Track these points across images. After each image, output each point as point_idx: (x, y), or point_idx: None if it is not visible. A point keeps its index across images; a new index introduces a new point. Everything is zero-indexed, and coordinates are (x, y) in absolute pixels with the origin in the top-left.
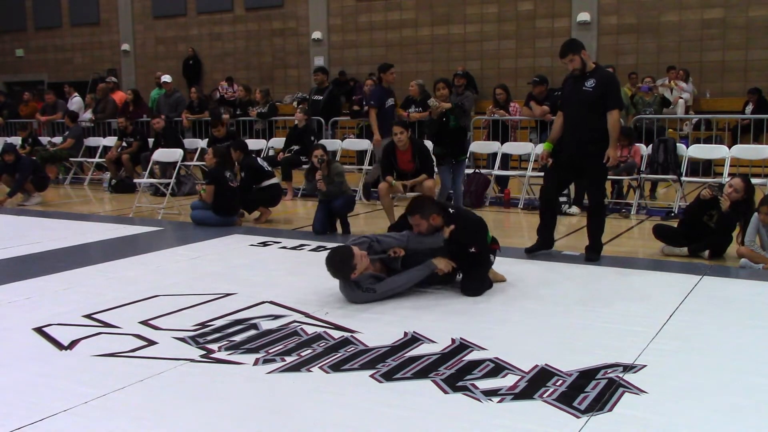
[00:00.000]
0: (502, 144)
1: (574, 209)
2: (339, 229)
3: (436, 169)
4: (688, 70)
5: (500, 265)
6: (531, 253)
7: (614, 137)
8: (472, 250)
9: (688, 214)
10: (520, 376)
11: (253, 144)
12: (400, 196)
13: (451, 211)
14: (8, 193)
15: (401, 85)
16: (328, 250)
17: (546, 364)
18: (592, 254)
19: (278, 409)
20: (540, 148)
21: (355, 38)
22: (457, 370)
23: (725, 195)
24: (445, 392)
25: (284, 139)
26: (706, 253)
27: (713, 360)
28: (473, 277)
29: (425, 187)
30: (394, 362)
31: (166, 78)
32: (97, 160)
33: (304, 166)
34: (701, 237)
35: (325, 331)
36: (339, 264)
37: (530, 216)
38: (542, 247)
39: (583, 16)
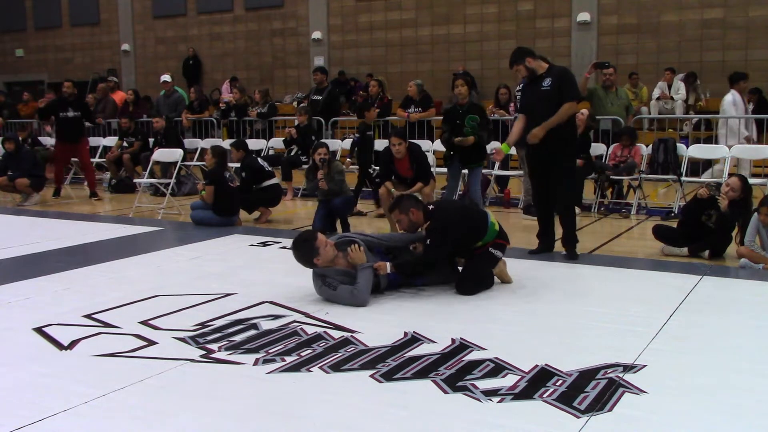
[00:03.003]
0: (502, 144)
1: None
2: (339, 229)
3: (434, 171)
4: (695, 73)
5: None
6: (533, 255)
7: (552, 121)
8: (428, 242)
9: (686, 214)
10: (520, 376)
11: (253, 144)
12: None
13: (431, 207)
14: (9, 177)
15: (401, 85)
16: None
17: (546, 364)
18: (571, 251)
19: (278, 409)
20: (497, 146)
21: (355, 38)
22: (457, 370)
23: (723, 194)
24: (445, 392)
25: (283, 139)
26: (706, 253)
27: (713, 360)
28: (470, 274)
29: (423, 193)
30: (394, 362)
31: (166, 77)
32: (97, 160)
33: (304, 166)
34: (701, 237)
35: (325, 331)
36: (301, 244)
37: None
38: (544, 251)
39: (583, 16)
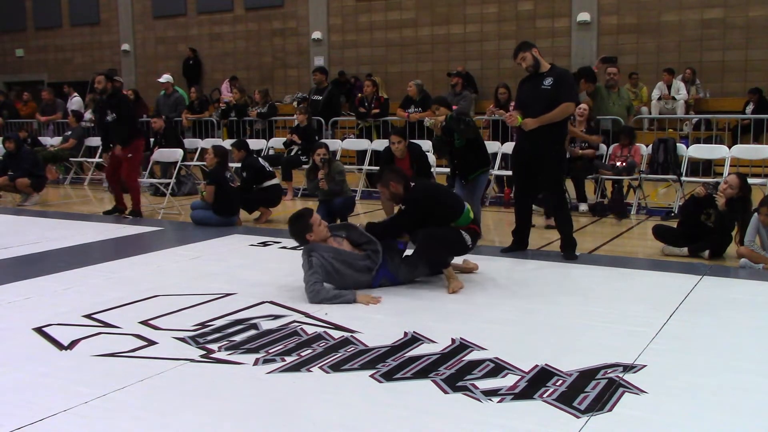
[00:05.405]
0: (502, 144)
1: (583, 207)
2: None
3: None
4: (694, 69)
5: (501, 264)
6: (506, 253)
7: (547, 117)
8: (403, 207)
9: (684, 214)
10: (520, 376)
11: (253, 144)
12: None
13: (413, 184)
14: (9, 177)
15: (401, 85)
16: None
17: (546, 364)
18: (570, 252)
19: (278, 409)
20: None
21: (355, 38)
22: (457, 370)
23: (720, 191)
24: (445, 392)
25: (284, 141)
26: (706, 253)
27: (713, 360)
28: (426, 233)
29: None
30: (394, 362)
31: (166, 77)
32: (97, 160)
33: (305, 166)
34: (701, 237)
35: (325, 331)
36: (295, 219)
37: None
38: (517, 249)
39: (583, 16)
